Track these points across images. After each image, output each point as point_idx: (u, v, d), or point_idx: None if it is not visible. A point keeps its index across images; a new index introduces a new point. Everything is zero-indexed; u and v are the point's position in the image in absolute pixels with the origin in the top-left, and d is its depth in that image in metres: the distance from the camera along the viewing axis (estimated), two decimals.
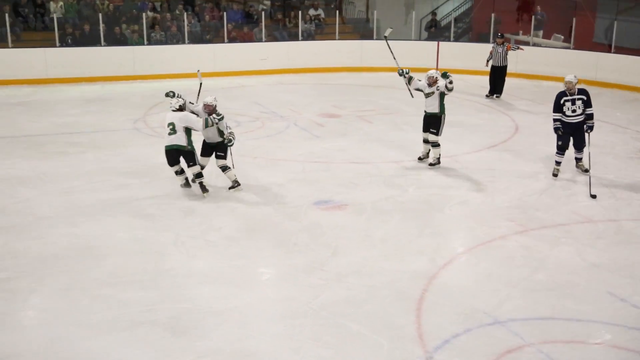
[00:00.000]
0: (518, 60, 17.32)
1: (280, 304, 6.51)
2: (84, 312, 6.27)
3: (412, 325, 6.15)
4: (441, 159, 10.52)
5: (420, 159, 10.68)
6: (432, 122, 10.35)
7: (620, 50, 17.36)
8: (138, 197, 8.98)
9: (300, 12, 18.89)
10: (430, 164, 10.46)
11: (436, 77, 10.27)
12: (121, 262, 7.21)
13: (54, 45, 16.40)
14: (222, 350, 5.73)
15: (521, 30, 19.84)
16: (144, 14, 17.28)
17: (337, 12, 19.41)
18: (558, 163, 10.11)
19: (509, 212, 8.78)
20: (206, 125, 8.93)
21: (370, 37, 19.56)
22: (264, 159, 10.59)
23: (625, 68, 16.85)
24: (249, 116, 13.35)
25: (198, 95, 10.01)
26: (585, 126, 9.81)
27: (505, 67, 15.64)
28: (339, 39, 19.14)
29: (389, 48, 11.42)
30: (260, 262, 7.40)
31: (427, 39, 19.79)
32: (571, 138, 10.01)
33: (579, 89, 9.88)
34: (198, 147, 9.31)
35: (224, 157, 9.29)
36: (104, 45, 16.75)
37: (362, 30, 20.40)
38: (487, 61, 15.68)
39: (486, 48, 16.39)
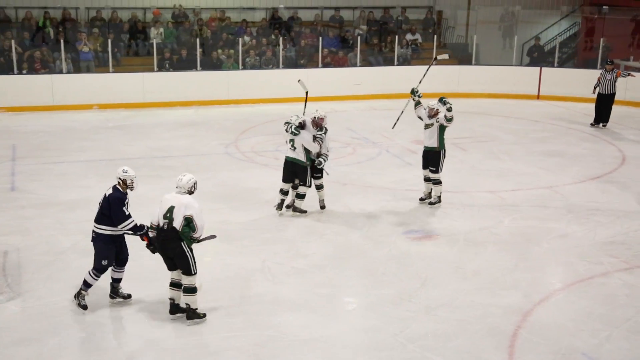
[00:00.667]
0: (627, 87, 16.55)
1: (366, 335, 6.39)
2: (171, 335, 6.32)
3: None
4: (533, 191, 10.05)
5: (422, 199, 9.91)
6: (431, 159, 9.69)
7: None
8: (227, 222, 9.03)
9: (397, 36, 18.79)
10: (431, 203, 9.77)
11: (437, 109, 9.62)
12: (207, 287, 7.21)
13: (152, 70, 16.93)
14: None
15: (632, 55, 18.99)
16: (239, 39, 17.61)
17: (435, 36, 19.18)
18: None
19: (613, 248, 8.33)
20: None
21: (468, 63, 19.22)
22: (354, 186, 10.48)
23: None
24: (340, 142, 13.29)
25: (305, 105, 9.92)
26: None
27: (614, 94, 14.94)
28: (435, 64, 18.87)
29: (427, 69, 10.75)
30: (347, 291, 7.29)
31: (529, 64, 19.25)
32: None
33: None
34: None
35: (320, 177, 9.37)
36: (200, 70, 17.15)
37: (461, 55, 20.08)
38: (595, 88, 15.04)
39: (592, 74, 15.77)
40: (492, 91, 18.33)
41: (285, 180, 9.31)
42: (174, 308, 6.58)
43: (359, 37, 18.73)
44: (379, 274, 7.60)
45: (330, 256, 8.06)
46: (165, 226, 6.40)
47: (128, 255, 6.83)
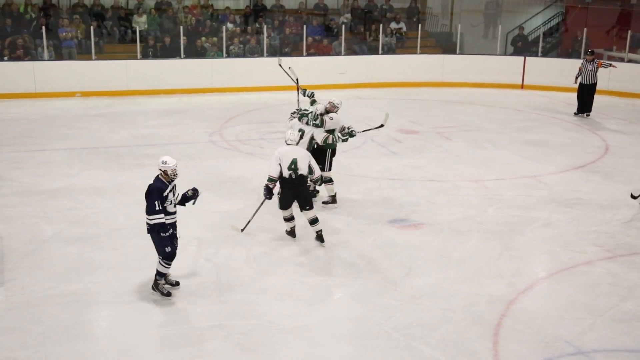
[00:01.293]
0: (610, 77, 16.63)
1: (352, 324, 6.40)
2: (155, 325, 6.31)
3: (488, 351, 5.95)
4: (516, 180, 10.12)
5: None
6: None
7: None
8: (212, 210, 8.99)
9: (381, 25, 18.74)
10: (324, 202, 9.39)
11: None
12: (193, 276, 7.20)
13: (135, 58, 16.78)
14: None
15: (615, 45, 19.06)
16: (223, 27, 17.49)
17: (419, 25, 19.16)
18: None
19: (596, 237, 8.38)
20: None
21: (453, 52, 19.23)
22: (339, 175, 10.45)
23: None
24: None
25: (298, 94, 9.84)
26: None
27: (595, 84, 15.00)
28: (420, 53, 18.90)
29: (287, 74, 10.51)
30: (332, 280, 7.28)
31: (512, 54, 19.29)
32: None
33: None
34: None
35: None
36: (183, 58, 17.03)
37: (445, 45, 20.09)
38: (576, 78, 15.09)
39: (576, 64, 15.80)
40: (476, 80, 18.35)
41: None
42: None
43: (343, 26, 18.67)
44: (364, 263, 7.61)
45: (315, 245, 8.04)
46: (293, 175, 7.80)
47: (176, 250, 6.80)
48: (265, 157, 11.37)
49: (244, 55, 17.79)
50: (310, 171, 7.96)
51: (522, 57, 18.53)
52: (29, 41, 16.29)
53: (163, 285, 6.79)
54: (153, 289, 6.79)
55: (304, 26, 18.22)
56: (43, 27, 16.01)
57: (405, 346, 5.99)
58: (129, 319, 6.39)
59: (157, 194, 6.53)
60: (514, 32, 19.90)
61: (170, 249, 6.65)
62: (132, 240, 8.03)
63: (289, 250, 7.94)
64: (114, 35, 17.56)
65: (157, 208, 6.52)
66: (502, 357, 5.86)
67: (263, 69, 17.00)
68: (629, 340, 6.12)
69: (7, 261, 7.42)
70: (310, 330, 6.22)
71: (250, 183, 10.05)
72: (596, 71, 14.88)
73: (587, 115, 15.01)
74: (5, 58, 15.94)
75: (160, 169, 6.61)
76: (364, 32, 19.59)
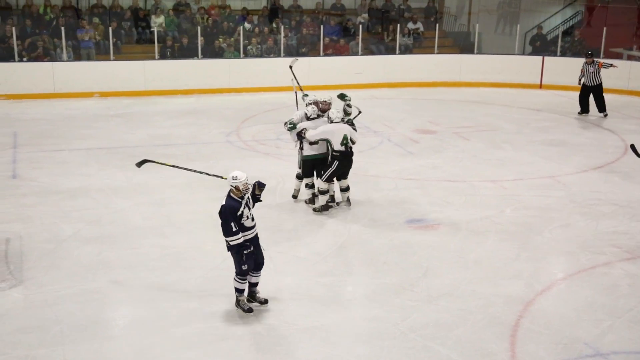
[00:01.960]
0: (631, 76, 16.44)
1: (368, 324, 6.38)
2: (172, 324, 6.32)
3: (505, 352, 5.91)
4: (534, 180, 10.08)
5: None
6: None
7: None
8: None
9: (398, 25, 18.70)
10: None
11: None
12: (209, 275, 7.23)
13: (153, 58, 16.86)
14: None
15: (635, 45, 18.86)
16: (240, 27, 17.53)
17: (437, 25, 19.09)
18: None
19: (615, 238, 8.31)
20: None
21: (470, 51, 19.15)
22: (355, 175, 10.42)
23: None
24: None
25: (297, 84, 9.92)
26: None
27: (600, 84, 14.73)
28: (437, 53, 18.84)
29: (294, 77, 10.34)
30: (348, 281, 7.28)
31: (531, 53, 19.17)
32: None
33: None
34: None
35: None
36: (201, 58, 17.09)
37: (463, 44, 20.00)
38: (579, 79, 14.89)
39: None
40: (494, 80, 18.24)
41: (308, 175, 9.23)
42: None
43: (360, 26, 18.64)
44: (380, 263, 7.59)
45: (331, 245, 8.04)
46: (346, 148, 8.76)
47: (264, 259, 6.57)
48: (282, 157, 11.40)
49: (261, 56, 17.82)
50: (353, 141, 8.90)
51: (541, 57, 18.41)
52: (48, 42, 16.44)
53: (244, 301, 6.51)
54: (236, 306, 6.53)
55: (321, 26, 18.22)
56: (62, 28, 16.14)
57: (422, 347, 5.97)
58: (145, 318, 6.41)
59: (231, 214, 6.20)
60: (533, 31, 19.78)
61: (246, 267, 6.34)
62: (148, 239, 8.07)
63: (305, 250, 7.94)
64: (132, 36, 17.67)
65: (234, 229, 6.20)
66: (519, 358, 5.82)
67: (280, 69, 16.92)
68: None
69: (26, 260, 7.49)
70: (326, 330, 6.21)
71: (266, 183, 10.00)
72: (598, 72, 14.65)
73: (605, 116, 14.81)
74: (25, 59, 16.07)
75: (231, 185, 6.25)
76: (381, 32, 19.55)
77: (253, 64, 17.46)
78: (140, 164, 7.55)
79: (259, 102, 15.99)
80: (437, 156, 11.76)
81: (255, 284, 6.61)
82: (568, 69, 17.84)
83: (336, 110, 8.91)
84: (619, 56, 17.60)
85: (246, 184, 6.26)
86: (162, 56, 17.01)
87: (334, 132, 8.75)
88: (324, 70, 17.33)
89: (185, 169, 7.59)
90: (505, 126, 13.97)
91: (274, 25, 18.51)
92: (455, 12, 21.53)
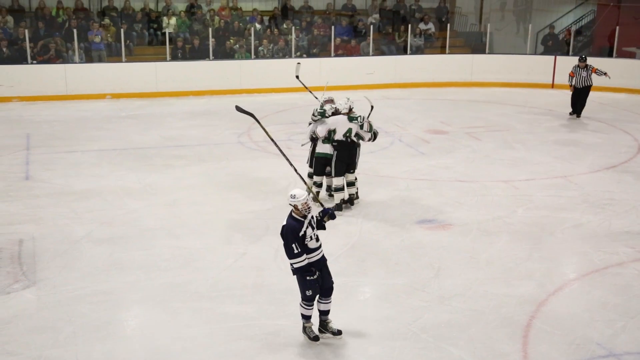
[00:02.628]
0: None
1: (380, 324, 6.36)
2: (184, 324, 6.33)
3: (517, 353, 5.89)
4: (547, 180, 10.03)
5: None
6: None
7: None
8: (239, 211, 9.03)
9: (410, 25, 18.67)
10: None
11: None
12: (221, 276, 7.24)
13: (164, 60, 16.93)
14: None
15: None
16: (252, 28, 17.55)
17: (448, 25, 19.04)
18: None
19: (628, 238, 8.26)
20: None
21: (482, 51, 19.09)
22: (366, 175, 10.43)
23: None
24: None
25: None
26: None
27: (589, 87, 14.50)
28: (449, 53, 18.80)
29: (304, 86, 10.48)
30: (360, 281, 7.26)
31: (543, 53, 19.09)
32: None
33: None
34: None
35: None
36: (212, 60, 17.12)
37: (474, 44, 19.95)
38: (570, 85, 14.70)
39: (608, 63, 15.55)
40: (506, 80, 18.20)
41: (318, 173, 9.28)
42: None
43: (371, 26, 18.62)
44: (392, 264, 7.58)
45: (343, 246, 8.04)
46: (346, 139, 8.94)
47: (332, 283, 6.04)
48: (293, 158, 11.29)
49: (272, 57, 17.84)
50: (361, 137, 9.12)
51: (553, 56, 18.33)
52: (60, 44, 16.53)
53: (310, 329, 6.06)
54: (303, 332, 6.10)
55: (332, 27, 18.23)
56: (74, 30, 16.22)
57: (434, 347, 5.96)
58: (157, 318, 6.43)
59: (292, 236, 5.83)
60: (545, 31, 19.70)
61: (311, 293, 5.88)
62: (160, 240, 8.10)
63: None
64: (143, 38, 17.74)
65: (296, 251, 5.81)
66: (532, 359, 5.80)
67: (291, 70, 16.96)
68: None
69: (39, 261, 7.52)
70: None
71: (278, 184, 10.07)
72: (590, 76, 14.46)
73: (577, 117, 14.62)
74: (34, 62, 16.16)
75: (290, 204, 5.92)
76: (393, 33, 19.53)
77: (264, 64, 17.49)
78: (242, 111, 6.97)
79: (270, 102, 16.01)
80: (449, 156, 11.73)
81: (326, 312, 6.11)
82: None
83: (344, 102, 9.20)
84: (631, 55, 17.47)
85: (305, 203, 5.88)
86: (174, 57, 17.07)
87: (338, 123, 9.02)
88: (335, 71, 17.31)
89: (280, 150, 7.08)
90: (517, 126, 13.92)
91: (285, 26, 18.53)
92: (467, 12, 21.47)
